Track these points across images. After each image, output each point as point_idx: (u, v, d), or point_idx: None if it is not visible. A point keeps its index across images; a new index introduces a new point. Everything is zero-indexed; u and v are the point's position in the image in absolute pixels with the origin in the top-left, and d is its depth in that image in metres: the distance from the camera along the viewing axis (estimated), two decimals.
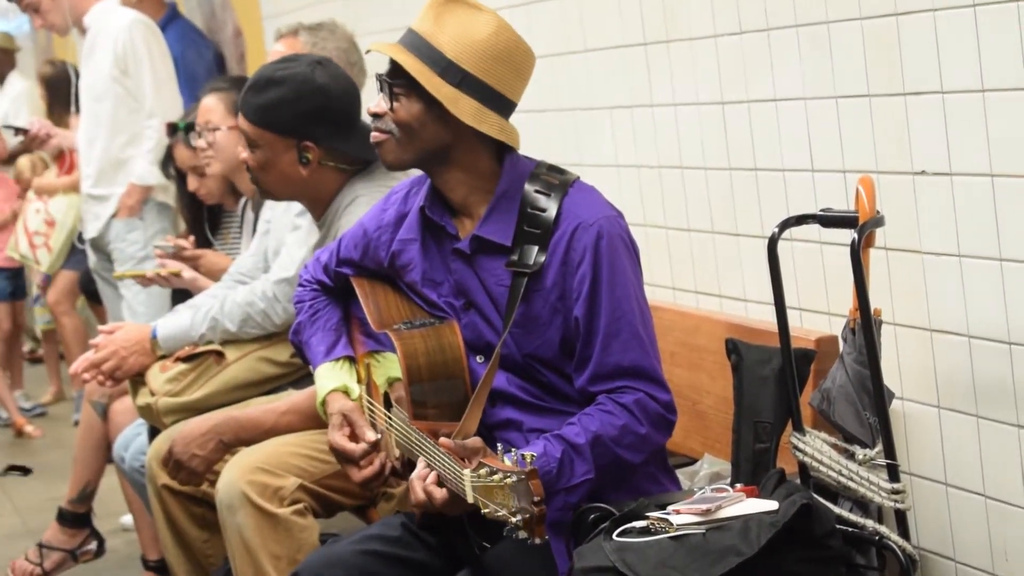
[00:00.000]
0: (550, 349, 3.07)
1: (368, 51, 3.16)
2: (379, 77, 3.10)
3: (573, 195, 3.08)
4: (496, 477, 2.56)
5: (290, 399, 4.01)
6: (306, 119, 3.83)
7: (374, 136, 3.13)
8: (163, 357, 4.37)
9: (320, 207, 3.96)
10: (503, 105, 3.05)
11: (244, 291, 4.30)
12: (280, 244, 4.37)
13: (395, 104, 3.07)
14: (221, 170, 4.90)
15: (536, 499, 2.51)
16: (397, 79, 3.06)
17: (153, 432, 4.44)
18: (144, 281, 5.19)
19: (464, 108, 3.00)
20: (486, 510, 2.61)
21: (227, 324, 4.29)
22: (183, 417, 4.24)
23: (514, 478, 2.53)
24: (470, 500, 2.66)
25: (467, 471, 2.66)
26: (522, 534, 2.54)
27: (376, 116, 3.11)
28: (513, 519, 2.53)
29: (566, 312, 3.04)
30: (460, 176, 3.12)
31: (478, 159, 3.10)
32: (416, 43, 3.04)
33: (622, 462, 2.99)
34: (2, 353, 9.00)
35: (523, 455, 2.57)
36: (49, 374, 9.41)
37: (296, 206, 4.22)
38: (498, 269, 3.08)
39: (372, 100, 3.14)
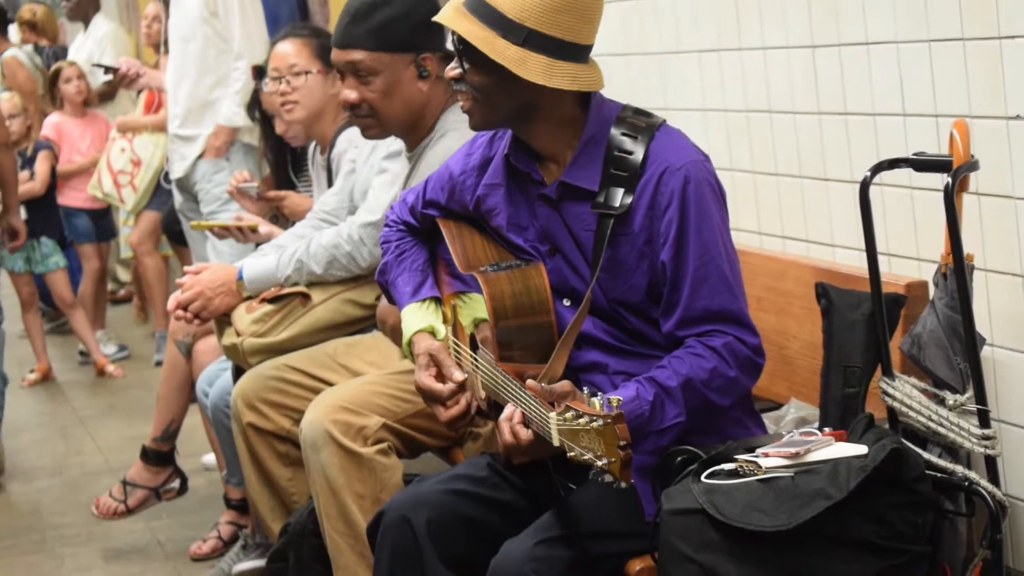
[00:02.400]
0: (636, 294, 3.07)
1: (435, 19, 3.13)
2: (453, 41, 3.08)
3: (660, 138, 3.06)
4: (582, 420, 2.56)
5: None
6: (422, 29, 3.80)
7: (460, 101, 3.12)
8: (249, 298, 4.39)
9: (421, 133, 3.94)
10: (574, 52, 3.01)
11: (330, 234, 4.31)
12: (366, 186, 4.37)
13: (468, 68, 3.05)
14: (305, 116, 4.88)
15: (622, 443, 2.50)
16: (464, 46, 3.03)
17: (238, 372, 4.47)
18: (221, 233, 5.18)
19: (532, 67, 2.97)
20: (571, 453, 2.61)
21: (313, 266, 4.30)
22: (268, 358, 4.28)
23: (600, 422, 2.53)
24: (556, 443, 2.67)
25: (553, 414, 2.66)
26: (608, 478, 2.54)
27: (455, 80, 3.10)
28: (599, 462, 2.53)
29: (653, 257, 3.03)
30: (545, 127, 3.10)
31: (562, 107, 3.08)
32: (476, 5, 3.00)
33: (711, 405, 2.98)
34: (91, 293, 9.05)
35: (609, 399, 2.57)
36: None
37: (383, 149, 4.23)
38: (584, 214, 3.07)
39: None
